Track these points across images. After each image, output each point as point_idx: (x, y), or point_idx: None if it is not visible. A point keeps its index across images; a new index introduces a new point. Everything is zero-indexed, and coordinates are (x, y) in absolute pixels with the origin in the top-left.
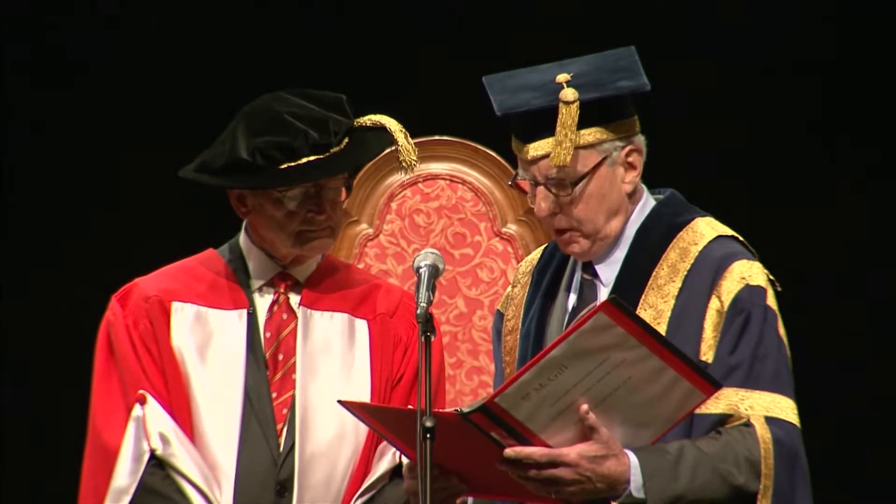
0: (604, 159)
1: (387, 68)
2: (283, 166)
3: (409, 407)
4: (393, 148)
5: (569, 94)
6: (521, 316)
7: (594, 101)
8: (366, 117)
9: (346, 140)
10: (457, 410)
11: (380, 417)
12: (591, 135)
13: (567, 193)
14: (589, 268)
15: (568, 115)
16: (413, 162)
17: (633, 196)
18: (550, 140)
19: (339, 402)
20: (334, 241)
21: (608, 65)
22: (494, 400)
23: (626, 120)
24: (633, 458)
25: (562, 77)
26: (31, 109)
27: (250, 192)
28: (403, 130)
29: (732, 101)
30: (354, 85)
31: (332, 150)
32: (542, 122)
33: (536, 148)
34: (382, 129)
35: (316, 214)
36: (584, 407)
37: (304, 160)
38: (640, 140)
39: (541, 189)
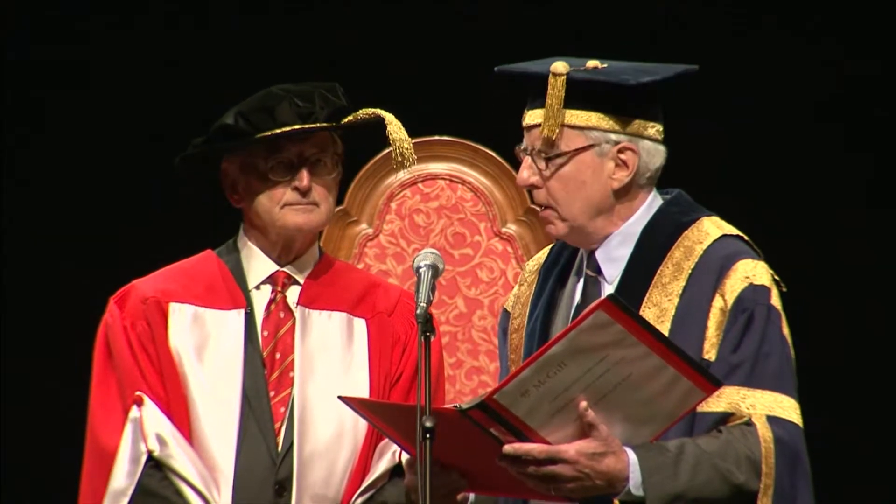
0: (591, 146)
1: (387, 68)
2: (267, 134)
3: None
4: (389, 150)
5: (559, 66)
6: (527, 314)
7: (585, 81)
8: (362, 110)
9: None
10: (456, 406)
11: (380, 413)
12: (582, 117)
13: (545, 168)
14: (594, 265)
15: (554, 87)
16: (407, 151)
17: (625, 195)
18: (542, 111)
19: (340, 397)
20: (323, 222)
21: (647, 67)
22: (493, 396)
23: (634, 119)
24: (632, 456)
25: (592, 63)
26: (31, 108)
27: (241, 174)
28: (399, 125)
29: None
30: (355, 85)
31: (317, 123)
32: (539, 91)
33: (530, 116)
34: (377, 121)
35: (300, 188)
36: (584, 404)
37: (288, 128)
38: (649, 147)
39: (527, 158)
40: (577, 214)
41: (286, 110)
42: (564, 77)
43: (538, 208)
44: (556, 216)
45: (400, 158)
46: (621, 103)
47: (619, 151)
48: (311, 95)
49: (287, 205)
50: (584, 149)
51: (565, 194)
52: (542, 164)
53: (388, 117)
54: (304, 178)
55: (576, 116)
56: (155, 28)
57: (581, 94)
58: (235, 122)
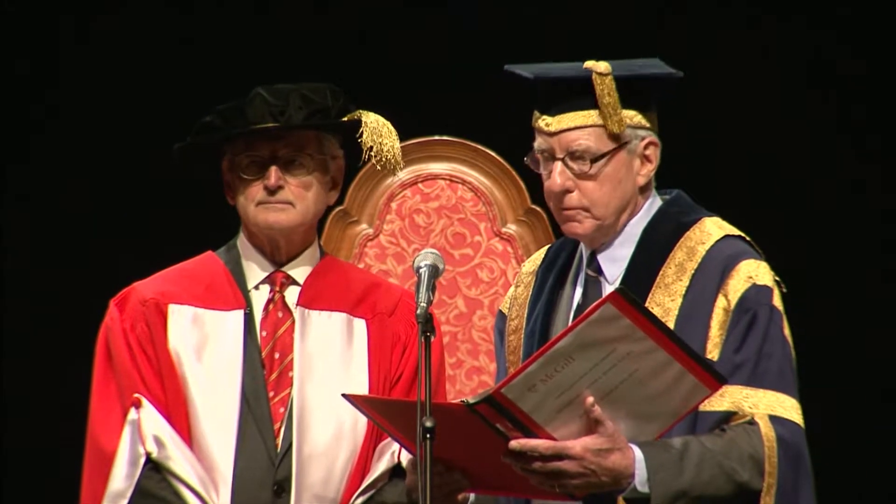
0: (624, 144)
1: (387, 68)
2: (234, 131)
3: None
4: (374, 155)
5: (602, 66)
6: (526, 315)
7: (626, 79)
8: (354, 112)
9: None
10: (463, 401)
11: (383, 411)
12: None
13: (587, 167)
14: (594, 265)
15: (605, 86)
16: (387, 155)
17: (644, 191)
18: (579, 113)
19: (343, 395)
20: (298, 221)
21: (635, 63)
22: (501, 391)
23: (650, 113)
24: (637, 453)
25: (590, 63)
26: (35, 107)
27: (229, 172)
28: (381, 129)
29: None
30: (355, 85)
31: (291, 122)
32: (571, 95)
33: (561, 121)
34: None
35: (267, 186)
36: (590, 399)
37: (262, 126)
38: (656, 138)
39: (558, 164)
40: (611, 213)
41: (257, 108)
42: (612, 76)
43: (565, 211)
44: (587, 215)
45: (374, 162)
46: (645, 97)
47: (645, 147)
48: (287, 94)
49: (260, 203)
50: (620, 147)
51: (602, 194)
52: (579, 167)
53: (368, 120)
54: (270, 175)
55: None
56: (153, 29)
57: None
58: (212, 118)
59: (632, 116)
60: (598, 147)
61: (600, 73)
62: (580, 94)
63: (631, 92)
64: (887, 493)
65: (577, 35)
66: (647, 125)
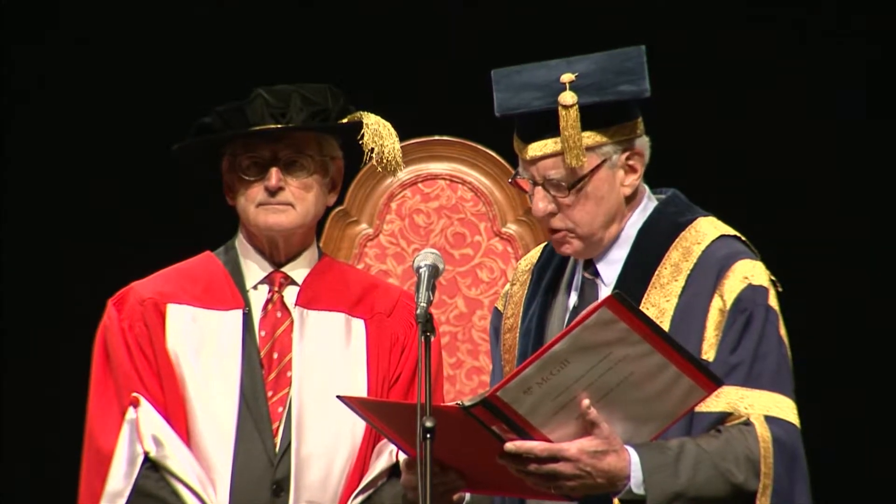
0: (603, 162)
1: (387, 68)
2: (231, 133)
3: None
4: (375, 157)
5: (567, 97)
6: (521, 314)
7: (593, 105)
8: (354, 113)
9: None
10: (458, 403)
11: (379, 413)
12: (590, 138)
13: (564, 195)
14: (590, 267)
15: (568, 119)
16: (388, 157)
17: (633, 199)
18: (549, 141)
19: (339, 397)
20: (298, 223)
21: (614, 65)
22: (496, 394)
23: (629, 123)
24: (633, 455)
25: (566, 77)
26: (30, 106)
27: (228, 173)
28: (382, 130)
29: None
30: (355, 85)
31: (290, 124)
32: (542, 122)
33: (535, 148)
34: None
35: (268, 187)
36: (586, 402)
37: (260, 127)
38: (643, 143)
39: (539, 189)
40: (597, 229)
41: (258, 109)
42: (577, 107)
43: (553, 234)
44: (574, 236)
45: (376, 164)
46: (620, 113)
47: (627, 158)
48: (288, 95)
49: (260, 204)
50: (598, 167)
51: (585, 214)
52: (559, 192)
53: (368, 121)
54: (271, 176)
55: (584, 138)
56: (153, 26)
57: (588, 116)
58: (212, 120)
59: (598, 136)
60: (575, 173)
61: (565, 106)
62: (550, 121)
63: (604, 111)
64: (888, 492)
65: (576, 33)
66: (626, 137)
